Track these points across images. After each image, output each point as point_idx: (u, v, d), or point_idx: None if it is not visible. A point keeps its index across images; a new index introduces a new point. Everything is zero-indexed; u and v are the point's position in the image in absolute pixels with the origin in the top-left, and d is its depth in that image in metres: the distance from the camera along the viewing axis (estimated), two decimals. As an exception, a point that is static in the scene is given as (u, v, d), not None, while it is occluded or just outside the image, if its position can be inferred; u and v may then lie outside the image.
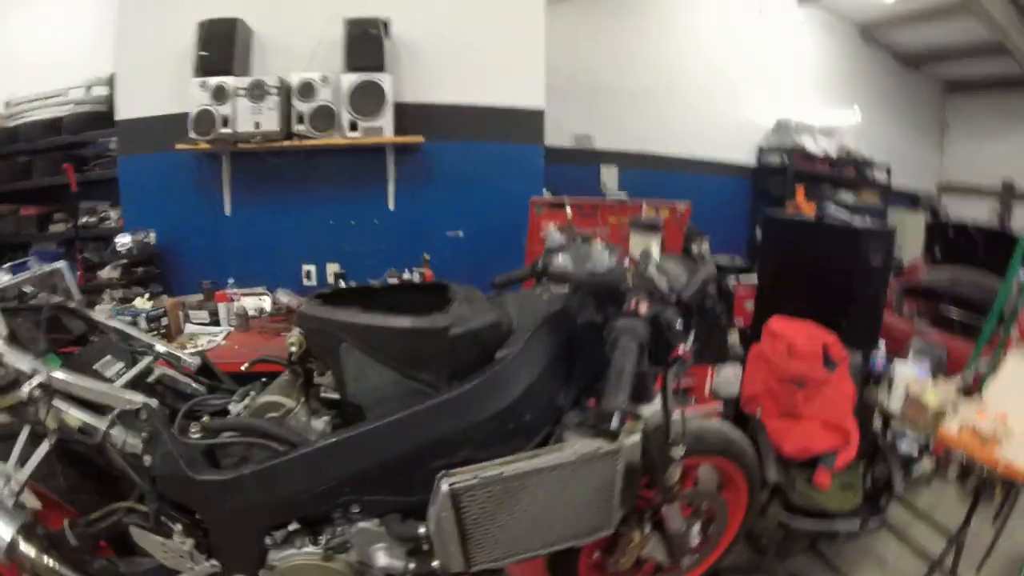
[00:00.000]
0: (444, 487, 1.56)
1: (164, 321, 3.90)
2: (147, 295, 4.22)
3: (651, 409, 1.81)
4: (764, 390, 3.19)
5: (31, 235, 5.44)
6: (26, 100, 6.32)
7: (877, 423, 3.40)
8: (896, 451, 3.41)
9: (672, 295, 1.78)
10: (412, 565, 1.77)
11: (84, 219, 5.61)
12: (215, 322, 4.20)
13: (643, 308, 1.63)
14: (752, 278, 5.26)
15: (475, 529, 1.64)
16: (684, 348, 1.70)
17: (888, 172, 8.85)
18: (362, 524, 1.78)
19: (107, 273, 4.54)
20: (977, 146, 10.08)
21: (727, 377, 4.33)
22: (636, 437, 1.67)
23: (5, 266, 2.33)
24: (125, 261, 4.54)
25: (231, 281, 4.35)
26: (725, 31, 7.67)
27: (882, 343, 3.45)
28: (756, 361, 3.30)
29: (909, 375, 3.19)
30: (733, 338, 4.75)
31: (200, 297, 4.37)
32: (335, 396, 1.93)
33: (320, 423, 1.91)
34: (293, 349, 1.88)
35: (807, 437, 2.96)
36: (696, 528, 2.39)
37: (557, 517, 1.71)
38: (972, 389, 3.12)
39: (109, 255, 4.65)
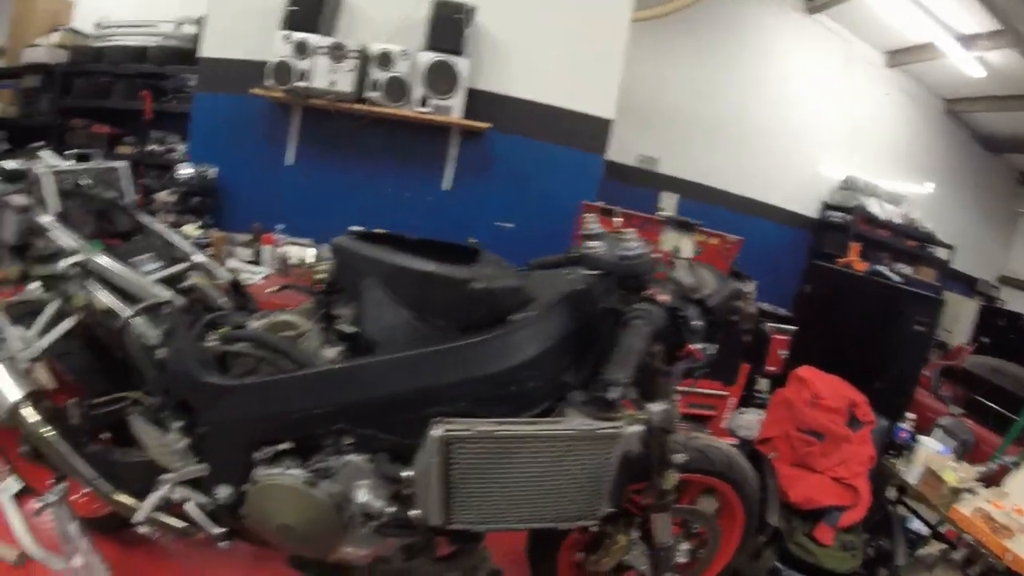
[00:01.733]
0: (437, 432, 1.57)
1: (209, 251, 3.98)
2: (198, 224, 4.32)
3: (656, 408, 1.80)
4: (782, 435, 3.16)
5: (99, 152, 5.58)
6: (117, 25, 6.53)
7: (891, 494, 3.33)
8: (903, 524, 3.33)
9: (695, 295, 1.79)
10: (391, 509, 1.78)
11: (151, 146, 5.79)
12: (257, 262, 4.28)
13: (662, 297, 1.64)
14: (789, 328, 5.20)
15: (460, 485, 1.64)
16: (698, 348, 1.69)
17: (950, 252, 8.67)
18: (351, 457, 1.79)
19: (164, 197, 4.65)
20: (1047, 242, 9.80)
21: (748, 421, 4.27)
22: (638, 428, 1.65)
23: (71, 152, 2.42)
24: (183, 189, 4.64)
25: (280, 227, 4.43)
26: (809, 80, 7.63)
27: (910, 415, 3.36)
28: (779, 406, 3.27)
29: (931, 449, 3.10)
30: (762, 384, 4.69)
31: (248, 236, 4.46)
32: (351, 330, 1.94)
33: (331, 352, 1.94)
34: (321, 277, 1.92)
35: (816, 489, 2.91)
36: (684, 546, 2.34)
37: (544, 494, 1.69)
38: (994, 480, 3.04)
39: (168, 181, 4.77)
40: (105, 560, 2.12)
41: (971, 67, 7.28)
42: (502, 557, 2.71)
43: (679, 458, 1.98)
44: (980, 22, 6.41)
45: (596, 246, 1.86)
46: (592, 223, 1.95)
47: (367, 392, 1.73)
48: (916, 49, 7.65)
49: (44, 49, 6.74)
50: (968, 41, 6.81)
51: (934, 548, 3.64)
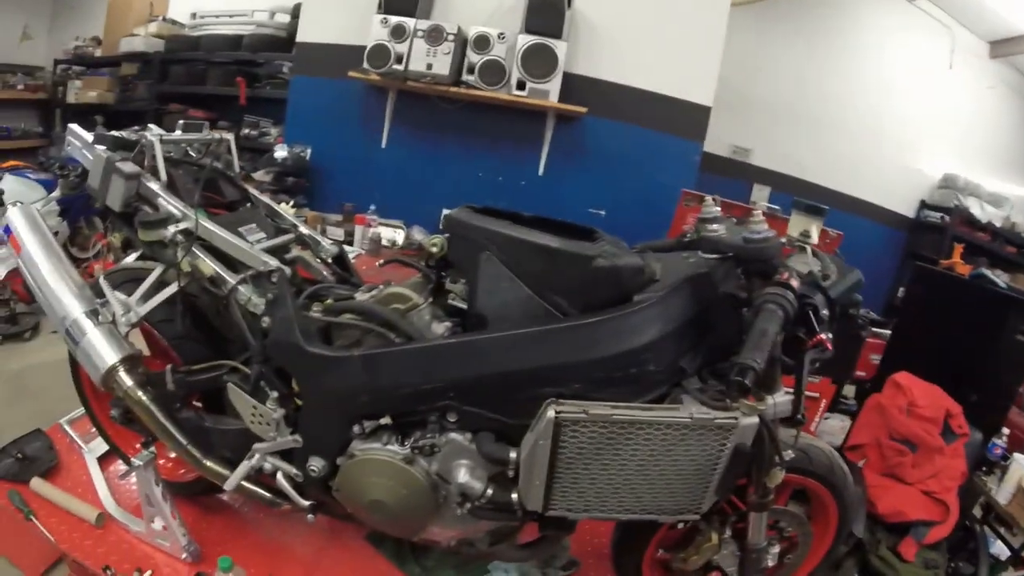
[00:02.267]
0: (550, 413, 1.51)
1: (301, 230, 4.07)
2: (291, 203, 4.40)
3: (772, 400, 1.73)
4: (872, 443, 3.09)
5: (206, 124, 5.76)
6: (212, 14, 6.78)
7: (978, 512, 3.22)
8: (988, 545, 3.18)
9: (825, 283, 1.71)
10: (490, 491, 1.75)
11: (246, 131, 5.93)
12: (349, 242, 4.37)
13: (794, 281, 1.56)
14: (883, 333, 5.02)
15: (565, 470, 1.59)
16: (828, 338, 1.61)
17: (1053, 262, 8.21)
18: (454, 435, 1.76)
19: (260, 176, 4.76)
20: None
21: (833, 427, 4.14)
22: (754, 419, 1.57)
23: (181, 122, 2.47)
24: (278, 169, 4.74)
25: (372, 208, 4.49)
26: (909, 70, 7.32)
27: (1006, 431, 3.23)
28: (872, 411, 3.19)
29: (1026, 469, 2.97)
30: (848, 390, 4.55)
31: (340, 217, 4.54)
32: (462, 305, 1.91)
33: (441, 327, 1.91)
34: (434, 250, 1.89)
35: (905, 501, 2.83)
36: (775, 550, 2.24)
37: (649, 484, 1.64)
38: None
39: (264, 161, 4.88)
40: (184, 524, 2.17)
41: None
42: (579, 548, 2.70)
43: (788, 455, 1.91)
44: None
45: (716, 229, 1.80)
46: (710, 206, 1.88)
47: (479, 369, 1.69)
48: (1022, 39, 7.29)
49: (141, 38, 7.04)
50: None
51: (1014, 574, 3.49)
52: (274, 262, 1.99)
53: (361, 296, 2.02)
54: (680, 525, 2.16)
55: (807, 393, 3.64)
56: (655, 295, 1.67)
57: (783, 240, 1.82)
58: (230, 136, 2.55)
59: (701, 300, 1.73)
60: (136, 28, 7.19)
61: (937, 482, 2.86)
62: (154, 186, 2.10)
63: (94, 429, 2.55)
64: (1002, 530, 3.19)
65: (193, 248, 2.01)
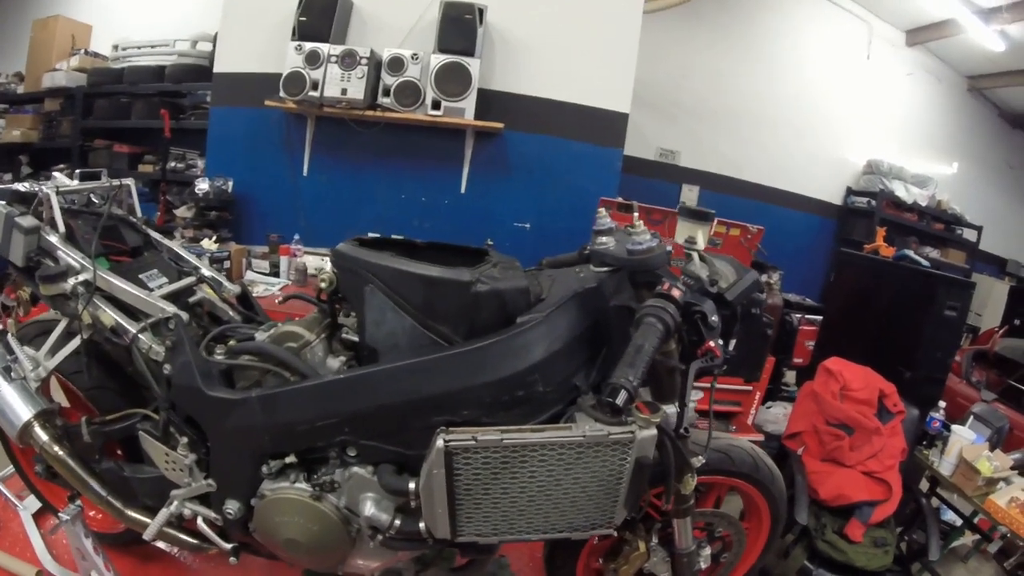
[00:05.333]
0: (439, 443, 1.51)
1: (227, 264, 4.02)
2: (215, 237, 4.35)
3: (672, 409, 1.74)
4: (810, 430, 3.11)
5: (121, 171, 5.66)
6: (134, 45, 6.67)
7: (923, 486, 3.28)
8: (937, 517, 3.25)
9: (713, 288, 1.73)
10: (398, 522, 1.75)
11: (172, 164, 5.86)
12: (275, 273, 4.30)
13: (676, 292, 1.57)
14: (816, 319, 5.12)
15: (466, 496, 1.59)
16: (716, 345, 1.62)
17: (978, 233, 8.52)
18: (356, 469, 1.77)
19: (182, 212, 4.70)
20: (1079, 220, 9.59)
21: (775, 415, 4.21)
22: (652, 431, 1.56)
23: (78, 172, 2.44)
24: (201, 204, 4.69)
25: (297, 237, 4.45)
26: (829, 63, 7.54)
27: (942, 404, 3.29)
28: (806, 399, 3.22)
29: (965, 439, 3.04)
30: (789, 377, 4.62)
31: (265, 248, 4.48)
32: (355, 338, 1.94)
33: (335, 362, 1.93)
34: (323, 286, 1.90)
35: (846, 484, 2.86)
36: (707, 551, 2.25)
37: (554, 503, 1.63)
38: (1029, 466, 2.99)
39: (187, 196, 4.82)
40: (120, 575, 2.16)
41: (991, 41, 7.15)
42: (521, 564, 2.71)
43: (697, 461, 1.92)
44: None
45: (606, 242, 1.81)
46: (602, 218, 1.90)
47: (371, 402, 1.69)
48: (936, 26, 7.56)
49: (64, 73, 6.89)
50: (988, 15, 6.71)
51: (968, 539, 3.59)
52: (171, 308, 1.97)
53: (261, 335, 2.01)
54: (612, 536, 2.17)
55: (742, 388, 3.70)
56: (539, 315, 1.68)
57: (669, 248, 1.84)
58: (130, 181, 2.51)
59: (590, 315, 1.73)
60: (59, 62, 7.06)
61: (877, 462, 2.91)
62: (53, 239, 2.07)
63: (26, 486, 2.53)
64: (953, 497, 3.27)
65: (93, 299, 1.99)
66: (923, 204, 7.97)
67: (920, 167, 8.16)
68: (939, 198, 8.19)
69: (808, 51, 7.45)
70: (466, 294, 1.70)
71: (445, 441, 1.51)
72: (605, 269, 1.78)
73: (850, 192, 7.95)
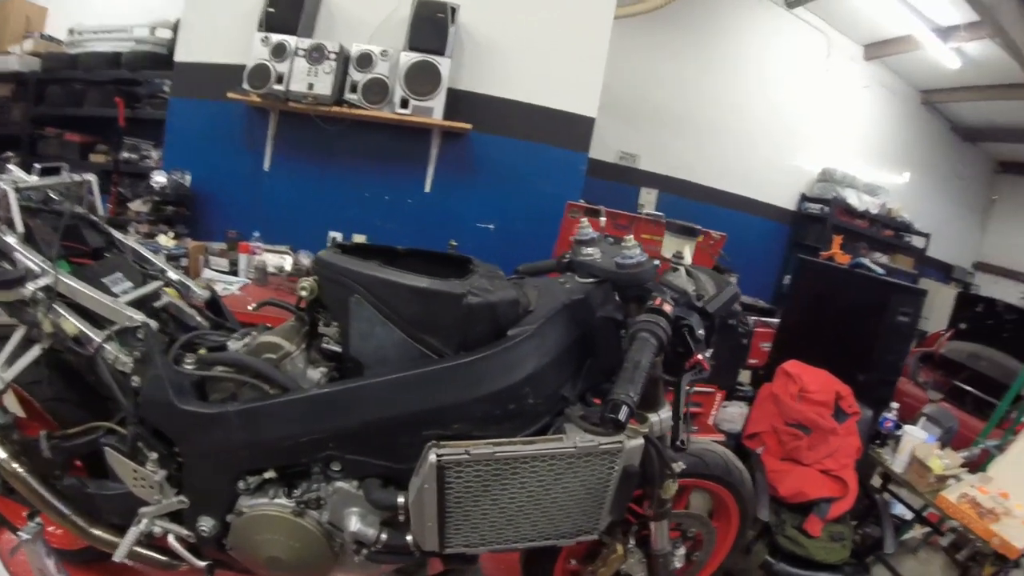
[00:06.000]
0: (431, 457, 1.50)
1: (184, 262, 3.94)
2: (172, 234, 4.25)
3: (657, 418, 1.76)
4: (769, 430, 3.18)
5: (72, 161, 5.45)
6: (90, 30, 6.43)
7: (877, 482, 3.37)
8: (890, 511, 3.35)
9: (699, 303, 1.74)
10: (384, 536, 1.73)
11: (126, 154, 5.68)
12: (234, 272, 4.21)
13: (667, 307, 1.58)
14: (772, 321, 5.22)
15: (456, 509, 1.58)
16: (704, 358, 1.63)
17: (927, 240, 8.80)
18: (340, 484, 1.74)
19: (137, 206, 4.57)
20: (1020, 228, 9.98)
21: (732, 414, 4.27)
22: (639, 441, 1.60)
23: (37, 166, 2.30)
24: (157, 198, 4.56)
25: (257, 235, 4.36)
26: (788, 74, 7.69)
27: (895, 405, 3.39)
28: (765, 401, 3.29)
29: (917, 438, 3.14)
30: (744, 377, 4.69)
31: (224, 245, 4.38)
32: (337, 349, 1.86)
33: (316, 373, 1.87)
34: (304, 294, 1.82)
35: (804, 482, 2.93)
36: (681, 551, 2.30)
37: (543, 512, 1.64)
38: (978, 464, 3.08)
39: (142, 190, 4.69)
40: None
41: (948, 58, 7.36)
42: (493, 566, 2.71)
43: (678, 467, 1.95)
44: (959, 14, 6.48)
45: (591, 252, 1.81)
46: (585, 228, 1.90)
47: (358, 417, 1.66)
48: (894, 42, 7.76)
49: (16, 57, 6.64)
50: (946, 33, 6.89)
51: (918, 532, 3.70)
52: (140, 316, 1.86)
53: (234, 344, 1.95)
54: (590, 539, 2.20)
55: (706, 391, 3.75)
56: (530, 327, 1.67)
57: (656, 262, 1.84)
58: (91, 177, 2.37)
59: (578, 326, 1.74)
60: (11, 46, 6.83)
61: (833, 460, 2.99)
62: (11, 240, 1.92)
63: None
64: (904, 492, 3.36)
65: (54, 306, 1.86)
66: (874, 212, 8.24)
67: (872, 176, 8.43)
68: (890, 206, 8.47)
69: (769, 62, 7.59)
70: (458, 306, 1.67)
71: (437, 456, 1.51)
72: (591, 280, 1.78)
73: (804, 198, 8.15)
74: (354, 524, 1.72)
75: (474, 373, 1.63)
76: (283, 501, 1.76)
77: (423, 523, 1.60)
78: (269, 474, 1.77)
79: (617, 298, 1.76)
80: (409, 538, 1.70)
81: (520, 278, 2.02)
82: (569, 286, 1.81)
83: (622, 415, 1.32)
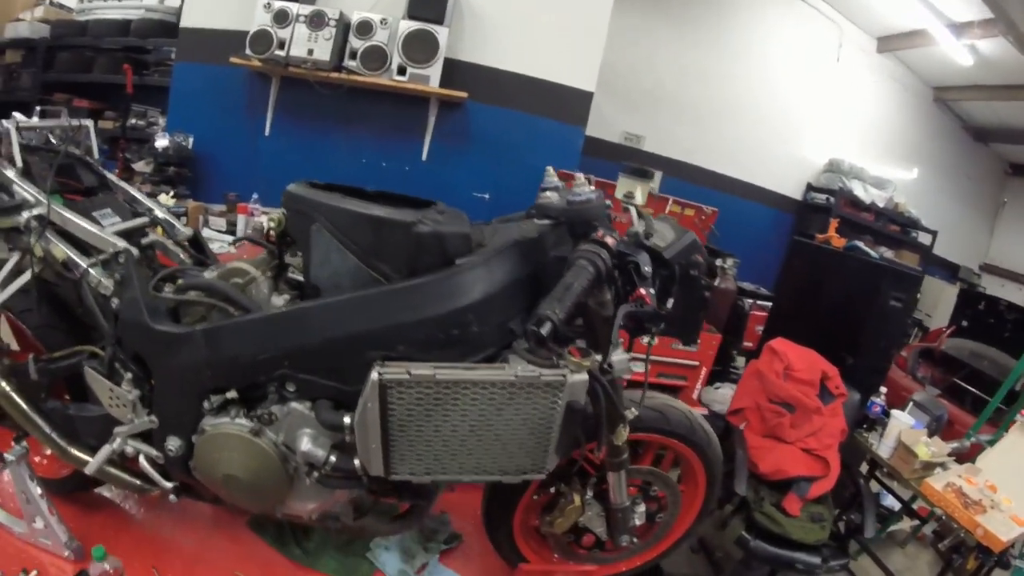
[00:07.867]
0: (374, 375, 1.55)
1: (183, 220, 3.97)
2: (172, 193, 4.30)
3: (612, 358, 1.76)
4: (752, 406, 3.17)
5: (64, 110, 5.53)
6: (101, -2, 6.48)
7: (863, 468, 3.36)
8: (877, 501, 3.33)
9: (648, 241, 1.78)
10: (333, 458, 1.78)
11: (133, 121, 5.74)
12: (231, 232, 4.28)
13: (609, 239, 1.61)
14: (767, 304, 5.19)
15: (400, 434, 1.63)
16: (647, 293, 1.65)
17: (933, 238, 8.72)
18: (295, 404, 1.80)
19: (140, 167, 4.63)
20: (1029, 233, 9.87)
21: (723, 395, 4.26)
22: (583, 376, 1.62)
23: (38, 108, 2.44)
24: (160, 159, 4.62)
25: (255, 197, 4.41)
26: (799, 62, 7.63)
27: (883, 389, 3.38)
28: (751, 377, 3.28)
29: (904, 423, 3.13)
30: (739, 361, 4.68)
31: (223, 207, 4.44)
32: (300, 278, 1.97)
33: (280, 299, 1.96)
34: (272, 226, 1.94)
35: (786, 460, 2.92)
36: (641, 508, 2.32)
37: (486, 445, 1.68)
38: (967, 456, 3.07)
39: (145, 151, 4.76)
40: (65, 522, 2.16)
41: (960, 55, 7.29)
42: (463, 522, 2.74)
43: (630, 413, 1.97)
44: (972, 10, 6.40)
45: (549, 196, 1.85)
46: (550, 176, 1.94)
47: (309, 336, 1.73)
48: (907, 36, 7.66)
49: (27, 24, 6.72)
50: (959, 29, 6.82)
51: (906, 524, 3.68)
52: (122, 243, 1.99)
53: (209, 275, 2.03)
54: (547, 490, 2.23)
55: (688, 363, 3.74)
56: (478, 258, 1.73)
57: (608, 202, 1.87)
58: (89, 122, 2.52)
59: (529, 264, 1.78)
60: (23, 12, 6.91)
61: (816, 440, 2.97)
62: (10, 173, 2.09)
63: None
64: (894, 484, 3.36)
65: (46, 233, 2.00)
66: (880, 205, 8.16)
67: (880, 170, 8.32)
68: (896, 201, 8.37)
69: (778, 49, 7.53)
70: (408, 234, 1.73)
71: (380, 374, 1.55)
72: (547, 222, 1.83)
73: (810, 188, 8.09)
74: (305, 444, 1.79)
75: (418, 296, 1.68)
76: (242, 421, 1.84)
77: (368, 445, 1.65)
78: (231, 394, 1.84)
79: (571, 238, 1.79)
80: (357, 462, 1.74)
81: (487, 224, 2.06)
82: (524, 227, 1.86)
83: (544, 329, 1.36)
